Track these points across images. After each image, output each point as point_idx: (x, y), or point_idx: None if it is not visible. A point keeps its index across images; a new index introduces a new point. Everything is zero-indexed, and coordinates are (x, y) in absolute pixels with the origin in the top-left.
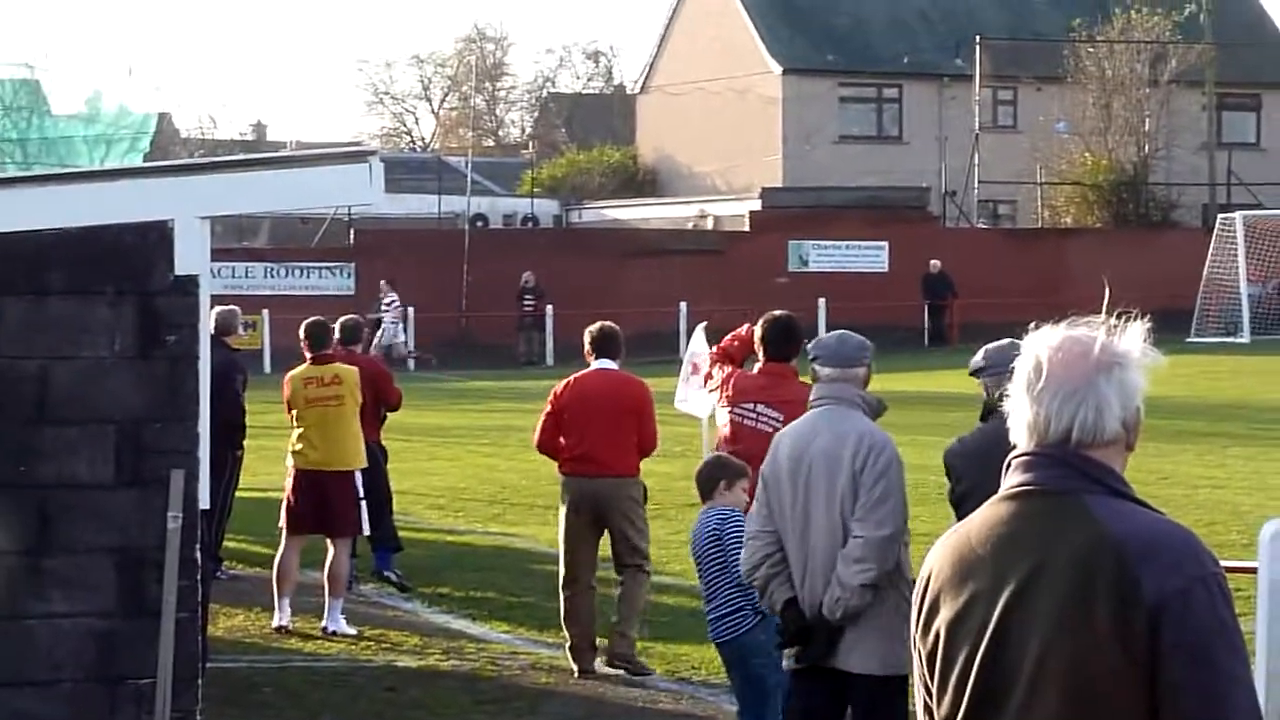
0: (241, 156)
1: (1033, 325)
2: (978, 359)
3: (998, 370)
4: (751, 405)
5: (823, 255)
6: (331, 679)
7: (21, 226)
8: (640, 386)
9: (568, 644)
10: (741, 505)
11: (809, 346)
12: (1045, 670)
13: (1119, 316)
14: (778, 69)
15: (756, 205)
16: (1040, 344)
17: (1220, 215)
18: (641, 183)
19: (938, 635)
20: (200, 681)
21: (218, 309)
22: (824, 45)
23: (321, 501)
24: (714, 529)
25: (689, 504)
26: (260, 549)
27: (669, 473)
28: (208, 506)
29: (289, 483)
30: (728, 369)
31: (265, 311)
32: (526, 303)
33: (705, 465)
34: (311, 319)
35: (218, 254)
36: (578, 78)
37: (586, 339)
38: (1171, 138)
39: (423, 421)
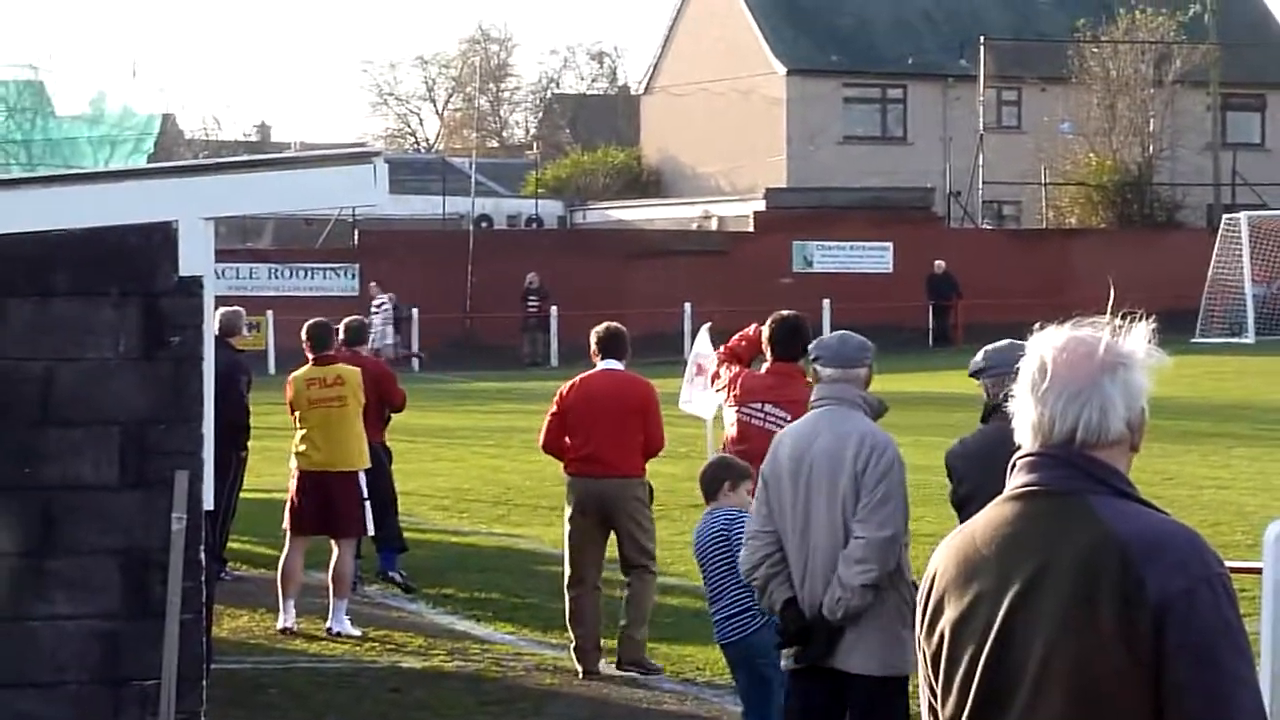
0: (246, 158)
1: (1037, 326)
2: (978, 360)
3: (998, 371)
4: (759, 405)
5: (827, 256)
6: (336, 680)
7: (26, 228)
8: (646, 386)
9: (572, 645)
10: (746, 506)
11: (810, 347)
12: (1050, 671)
13: (1124, 317)
14: (782, 70)
15: (761, 206)
16: (1045, 344)
17: (1225, 216)
18: (646, 183)
19: (942, 635)
20: (205, 683)
21: (222, 310)
22: (828, 46)
23: (325, 502)
24: (721, 529)
25: (693, 505)
26: (265, 550)
27: (673, 474)
28: (212, 508)
29: (292, 484)
30: (735, 369)
31: (269, 312)
32: (531, 304)
33: (709, 466)
34: (313, 320)
35: (222, 255)
36: (582, 78)
37: (593, 339)
38: (1176, 138)
39: (427, 422)
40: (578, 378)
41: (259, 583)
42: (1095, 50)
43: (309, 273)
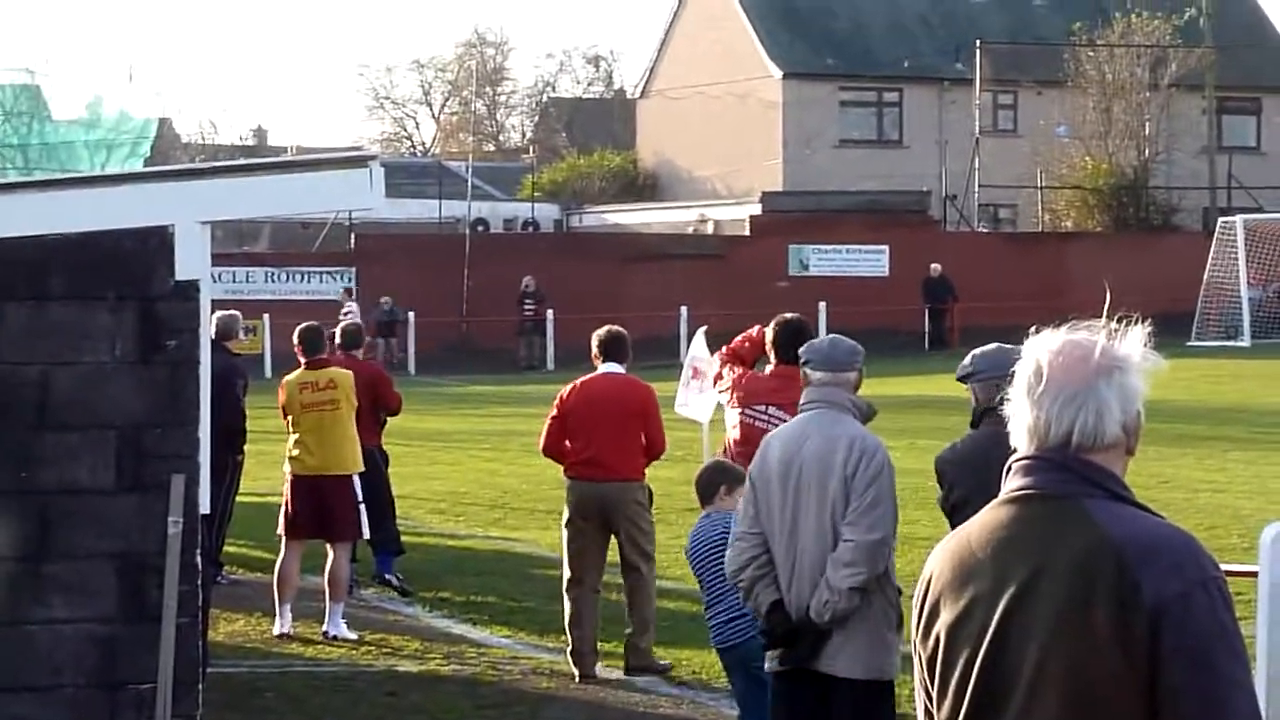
0: (242, 161)
1: (1033, 329)
2: (966, 364)
3: (986, 376)
4: (763, 407)
5: (823, 259)
6: (332, 684)
7: (22, 232)
8: (646, 390)
9: (569, 648)
10: None
11: (800, 350)
12: (1045, 674)
13: (1119, 320)
14: (778, 73)
15: (757, 209)
16: (1041, 348)
17: (1221, 219)
18: (642, 187)
19: (938, 639)
20: (201, 686)
21: (218, 314)
22: (824, 49)
23: (320, 506)
24: (720, 534)
25: (689, 509)
26: (261, 554)
27: (669, 477)
28: (208, 511)
29: (286, 489)
30: (738, 370)
31: (266, 316)
32: (527, 307)
33: (705, 470)
34: (305, 324)
35: (218, 259)
36: (578, 82)
37: (594, 342)
38: (1172, 141)
39: (423, 426)
40: (578, 381)
41: (255, 586)
42: (1091, 54)
43: (305, 276)
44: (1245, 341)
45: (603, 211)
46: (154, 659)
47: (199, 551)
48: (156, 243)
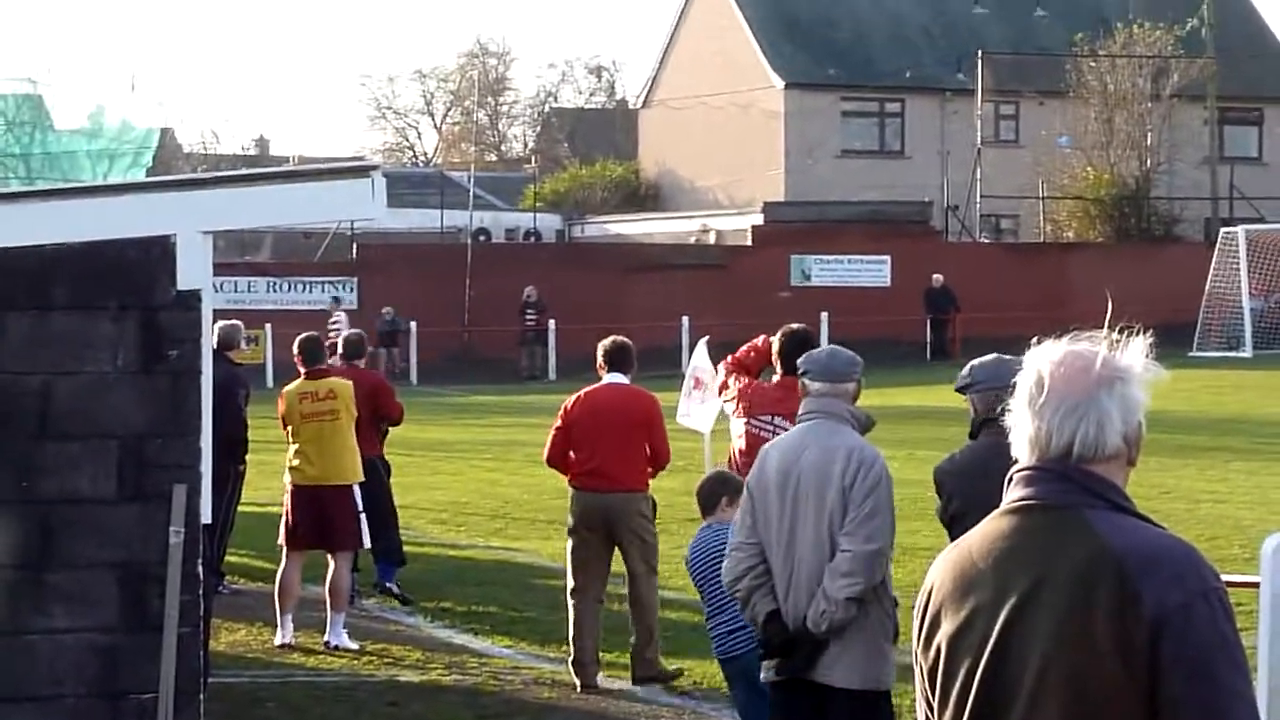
0: (244, 171)
1: (1035, 340)
2: (964, 375)
3: (984, 386)
4: (769, 417)
5: (825, 270)
6: (334, 694)
7: (25, 241)
8: (650, 400)
9: (570, 657)
10: None
11: (799, 361)
12: (1046, 684)
13: (1121, 331)
14: (780, 83)
15: (759, 220)
16: (1042, 359)
17: (1222, 229)
18: (644, 197)
19: (939, 649)
20: (202, 696)
21: (220, 324)
22: (826, 60)
23: (320, 516)
24: (721, 545)
25: (690, 519)
26: (262, 564)
27: (671, 488)
28: (210, 521)
29: (287, 499)
30: (744, 380)
31: (268, 326)
32: (529, 317)
33: (707, 481)
34: (305, 334)
35: (220, 268)
36: (580, 92)
37: (599, 353)
38: (1173, 152)
39: (425, 436)
40: (582, 391)
41: (256, 596)
42: (1093, 64)
43: (307, 286)
44: (1247, 352)
45: (605, 221)
46: (155, 669)
47: (200, 561)
48: (158, 252)
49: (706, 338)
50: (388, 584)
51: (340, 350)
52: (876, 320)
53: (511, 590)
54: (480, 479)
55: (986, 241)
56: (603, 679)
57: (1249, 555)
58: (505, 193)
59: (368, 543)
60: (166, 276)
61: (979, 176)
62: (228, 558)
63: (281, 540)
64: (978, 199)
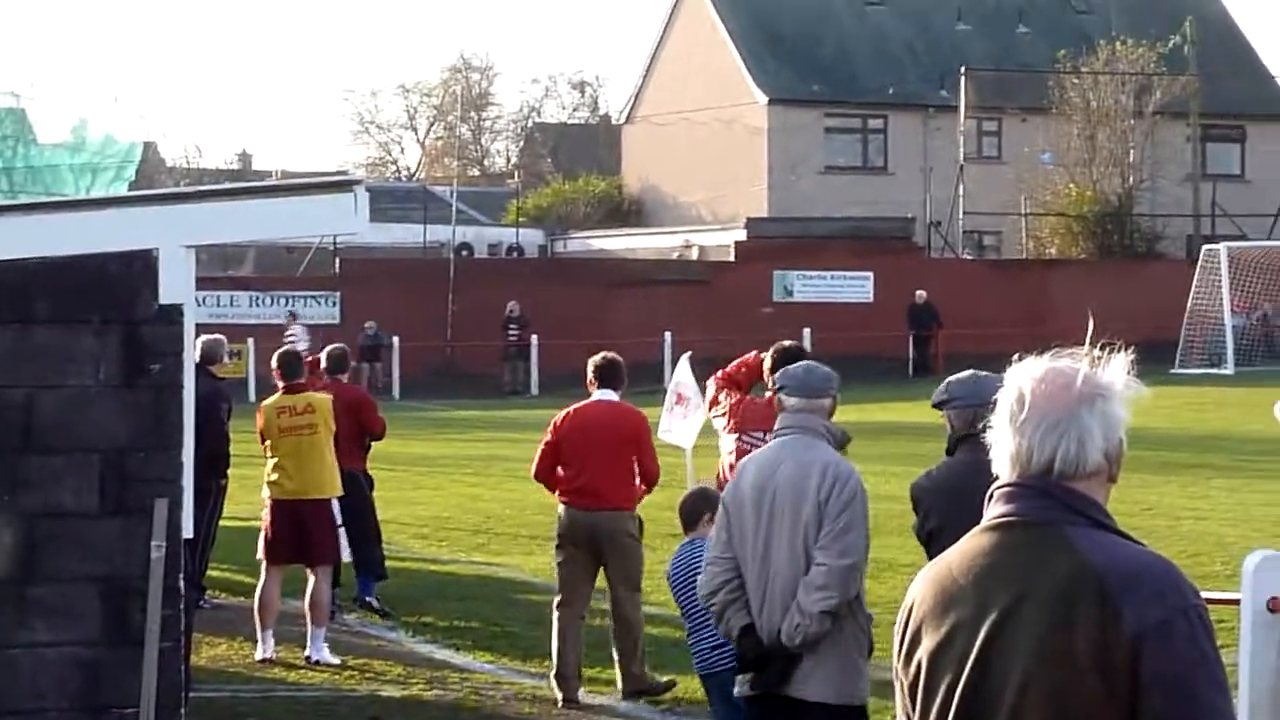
0: (227, 186)
1: (1017, 356)
2: (941, 391)
3: (962, 402)
4: (761, 434)
5: (808, 285)
6: (315, 708)
7: (7, 255)
8: (638, 417)
9: (553, 671)
10: None
11: (776, 377)
12: (1026, 700)
13: (1103, 348)
14: (763, 99)
15: (742, 235)
16: (1023, 375)
17: (1205, 246)
18: (627, 213)
19: (920, 665)
20: (183, 711)
21: (203, 338)
22: (809, 76)
23: (299, 530)
24: (702, 561)
25: (672, 534)
26: (244, 578)
27: (654, 502)
28: (191, 535)
29: (266, 513)
30: (735, 396)
31: (250, 340)
32: (511, 332)
33: (689, 497)
34: (283, 349)
35: (203, 282)
36: (563, 107)
37: (590, 369)
38: (1156, 169)
39: (407, 451)
40: (572, 407)
41: (238, 611)
42: (1076, 81)
43: (290, 300)
44: (1229, 369)
45: (587, 237)
46: (137, 683)
47: (182, 575)
48: (141, 266)
49: (689, 353)
50: (368, 598)
51: (324, 365)
52: (859, 336)
53: (493, 605)
54: (462, 494)
55: (969, 258)
56: (584, 694)
57: (1230, 572)
58: (488, 208)
59: (346, 556)
60: (149, 291)
61: (962, 193)
62: (209, 572)
63: (261, 554)
64: (960, 215)
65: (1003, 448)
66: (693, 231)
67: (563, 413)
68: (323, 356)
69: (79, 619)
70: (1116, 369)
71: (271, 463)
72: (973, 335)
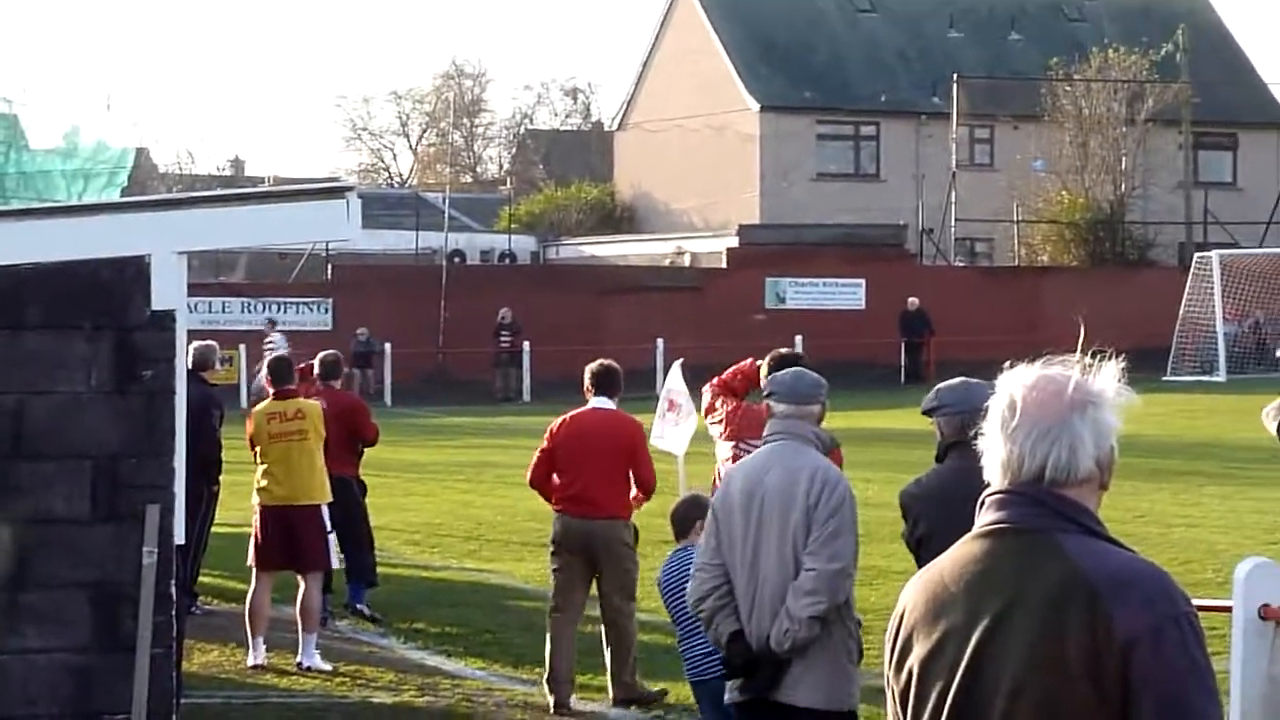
0: (219, 192)
1: (1008, 364)
2: (930, 398)
3: (951, 409)
4: (757, 441)
5: (800, 292)
6: (306, 715)
7: None
8: (634, 425)
9: (545, 676)
10: None
11: (764, 383)
12: (1017, 707)
13: (1094, 355)
14: (755, 106)
15: (734, 242)
16: (1015, 383)
17: (1197, 254)
18: (619, 219)
19: (911, 672)
20: (175, 717)
21: (195, 344)
22: (802, 83)
23: (289, 536)
24: None
25: (664, 541)
26: (235, 584)
27: (645, 509)
28: (183, 541)
29: (256, 519)
30: (731, 403)
31: (242, 346)
32: (503, 339)
33: (681, 504)
34: (274, 355)
35: (195, 289)
36: (556, 114)
37: (587, 376)
38: (1148, 176)
39: (399, 457)
40: (568, 415)
41: (230, 617)
42: (1068, 88)
43: (282, 307)
44: (1221, 376)
45: (579, 243)
46: (128, 689)
47: (174, 582)
48: (133, 272)
49: (681, 360)
50: (358, 605)
51: (317, 371)
52: (851, 343)
53: (485, 612)
54: (454, 500)
55: (961, 265)
56: (576, 701)
57: (1222, 579)
58: (480, 214)
59: (336, 562)
60: (141, 296)
61: (954, 200)
62: (201, 578)
63: (251, 561)
64: (952, 222)
65: (994, 455)
66: (685, 238)
67: (559, 420)
68: (316, 363)
69: (70, 625)
70: (1107, 377)
71: (261, 469)
72: (965, 342)
